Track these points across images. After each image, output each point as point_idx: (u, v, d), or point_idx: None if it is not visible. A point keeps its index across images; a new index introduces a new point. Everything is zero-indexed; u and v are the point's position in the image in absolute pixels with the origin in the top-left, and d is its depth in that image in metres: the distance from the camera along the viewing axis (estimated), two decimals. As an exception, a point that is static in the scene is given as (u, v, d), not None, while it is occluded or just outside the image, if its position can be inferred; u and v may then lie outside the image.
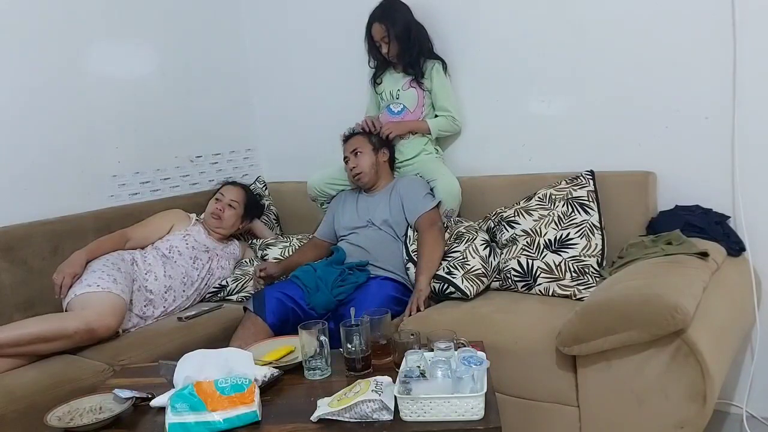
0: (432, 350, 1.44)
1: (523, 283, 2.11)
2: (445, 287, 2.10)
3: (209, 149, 3.05)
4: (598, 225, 2.07)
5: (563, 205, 2.14)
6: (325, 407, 1.31)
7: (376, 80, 2.60)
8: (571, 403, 1.64)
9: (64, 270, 2.09)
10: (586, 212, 2.10)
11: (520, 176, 2.39)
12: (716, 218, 2.04)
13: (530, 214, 2.18)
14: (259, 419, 1.33)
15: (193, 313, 2.28)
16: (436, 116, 2.52)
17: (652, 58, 2.14)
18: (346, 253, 2.31)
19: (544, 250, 2.09)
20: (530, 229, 2.15)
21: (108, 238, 2.32)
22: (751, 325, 2.01)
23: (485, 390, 1.27)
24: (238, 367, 1.45)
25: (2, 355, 1.85)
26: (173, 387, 1.42)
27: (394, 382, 1.33)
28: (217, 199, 2.64)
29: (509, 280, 2.14)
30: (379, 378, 1.37)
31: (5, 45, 2.27)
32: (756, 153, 2.00)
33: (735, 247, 2.00)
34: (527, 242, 2.13)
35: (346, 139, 2.50)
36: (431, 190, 2.39)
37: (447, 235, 2.27)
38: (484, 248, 2.17)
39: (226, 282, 2.51)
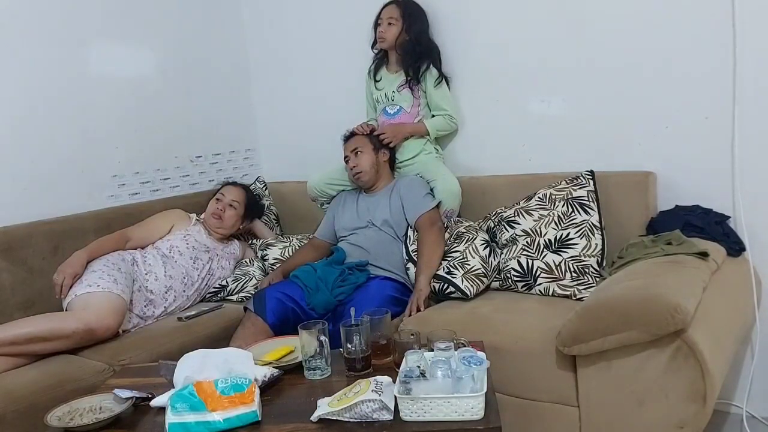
0: (432, 350, 1.44)
1: (523, 283, 2.11)
2: (445, 287, 2.10)
3: (209, 149, 3.05)
4: (598, 225, 2.07)
5: (563, 205, 2.14)
6: (325, 407, 1.31)
7: (375, 78, 2.59)
8: (571, 403, 1.64)
9: (65, 270, 2.09)
10: (586, 212, 2.10)
11: (520, 176, 2.39)
12: (716, 218, 2.04)
13: (530, 214, 2.18)
14: (259, 419, 1.33)
15: (193, 313, 2.28)
16: (433, 116, 2.52)
17: (652, 57, 2.14)
18: (346, 253, 2.31)
19: (544, 250, 2.09)
20: (530, 229, 2.15)
21: (108, 238, 2.32)
22: (751, 325, 2.01)
23: (485, 390, 1.26)
24: (238, 367, 1.45)
25: (0, 354, 1.85)
26: (173, 387, 1.42)
27: (394, 382, 1.33)
28: (217, 200, 2.64)
29: (509, 280, 2.14)
30: (379, 378, 1.37)
31: (5, 45, 2.27)
32: (756, 153, 2.00)
33: (735, 247, 2.00)
34: (527, 242, 2.13)
35: (347, 138, 2.50)
36: (431, 190, 2.39)
37: (447, 235, 2.27)
38: (484, 248, 2.17)
39: (227, 282, 2.51)
